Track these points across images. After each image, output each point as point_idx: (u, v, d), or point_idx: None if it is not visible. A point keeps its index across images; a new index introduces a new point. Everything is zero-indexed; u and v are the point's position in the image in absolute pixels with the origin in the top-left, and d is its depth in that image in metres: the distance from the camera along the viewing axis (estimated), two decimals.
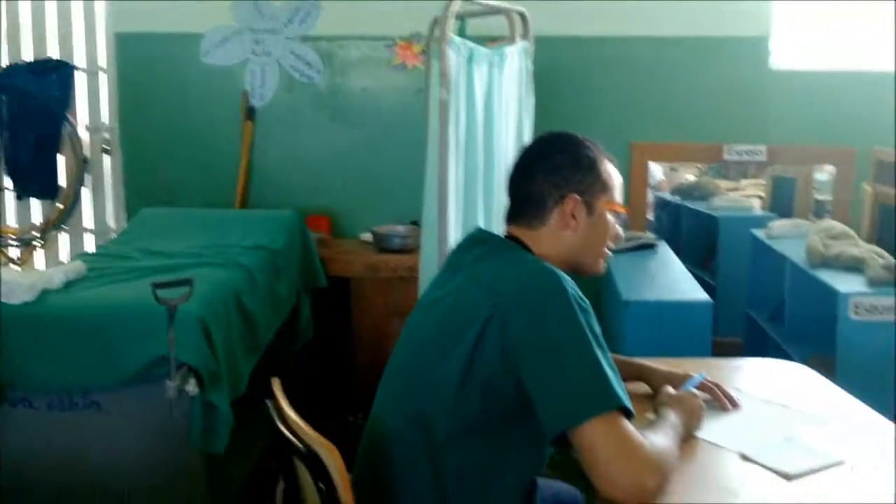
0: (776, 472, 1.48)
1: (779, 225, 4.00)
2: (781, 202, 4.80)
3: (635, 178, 4.21)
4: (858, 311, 2.91)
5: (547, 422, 1.36)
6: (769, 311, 3.92)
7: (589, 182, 1.61)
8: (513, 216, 1.65)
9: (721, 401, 1.78)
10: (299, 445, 1.43)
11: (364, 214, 4.18)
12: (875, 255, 3.20)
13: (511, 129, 3.20)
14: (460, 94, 2.71)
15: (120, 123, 4.24)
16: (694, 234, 5.04)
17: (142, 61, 4.18)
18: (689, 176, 5.71)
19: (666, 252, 3.94)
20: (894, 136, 3.86)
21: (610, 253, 1.69)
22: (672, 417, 1.55)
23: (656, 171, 5.49)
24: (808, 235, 3.51)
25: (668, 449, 1.42)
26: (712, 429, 1.66)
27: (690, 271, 3.53)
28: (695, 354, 2.47)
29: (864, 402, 1.87)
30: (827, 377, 2.08)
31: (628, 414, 1.36)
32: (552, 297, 1.41)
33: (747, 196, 5.38)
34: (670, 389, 1.70)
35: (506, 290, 1.44)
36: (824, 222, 3.73)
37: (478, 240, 1.65)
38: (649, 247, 3.96)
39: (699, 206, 5.06)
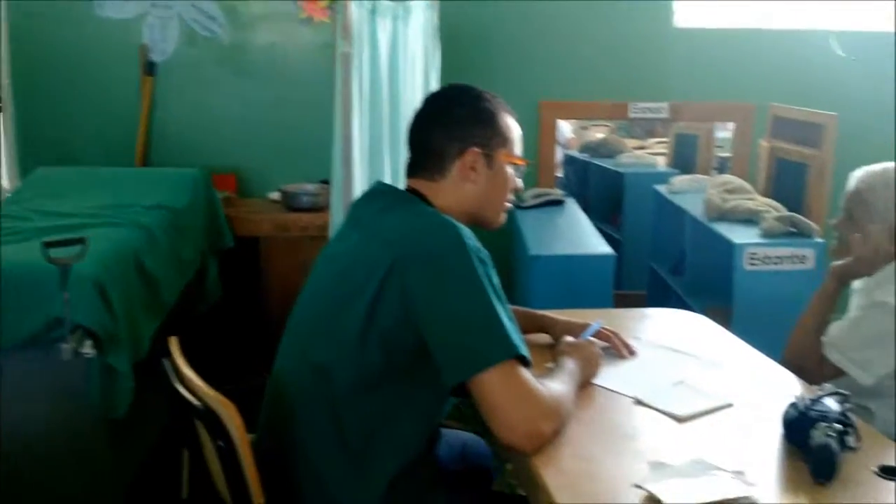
0: (668, 415, 1.53)
1: (679, 180, 4.11)
2: (684, 159, 4.92)
3: (544, 136, 4.24)
4: (753, 262, 3.01)
5: (446, 372, 1.38)
6: (670, 264, 4.03)
7: (488, 135, 1.61)
8: (413, 169, 1.64)
9: (618, 348, 1.83)
10: (197, 404, 1.41)
11: (272, 173, 4.11)
12: (770, 208, 3.31)
13: (417, 83, 3.18)
14: (364, 48, 2.67)
15: (12, 79, 4.03)
16: (601, 190, 5.13)
17: (34, 14, 3.98)
18: (598, 134, 5.80)
19: (573, 208, 4.00)
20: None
21: (510, 205, 1.70)
22: (570, 365, 1.59)
23: (565, 128, 5.56)
24: (706, 190, 3.60)
25: (565, 395, 1.45)
26: (609, 375, 1.71)
27: (598, 226, 3.59)
28: (598, 306, 2.53)
29: (756, 348, 1.95)
30: (724, 326, 2.15)
31: (526, 363, 1.39)
32: (451, 249, 1.42)
33: (653, 154, 5.51)
34: (569, 338, 1.74)
35: (405, 243, 1.44)
36: (722, 177, 3.84)
37: (378, 193, 1.65)
38: (557, 203, 4.02)
39: (606, 164, 5.15)
